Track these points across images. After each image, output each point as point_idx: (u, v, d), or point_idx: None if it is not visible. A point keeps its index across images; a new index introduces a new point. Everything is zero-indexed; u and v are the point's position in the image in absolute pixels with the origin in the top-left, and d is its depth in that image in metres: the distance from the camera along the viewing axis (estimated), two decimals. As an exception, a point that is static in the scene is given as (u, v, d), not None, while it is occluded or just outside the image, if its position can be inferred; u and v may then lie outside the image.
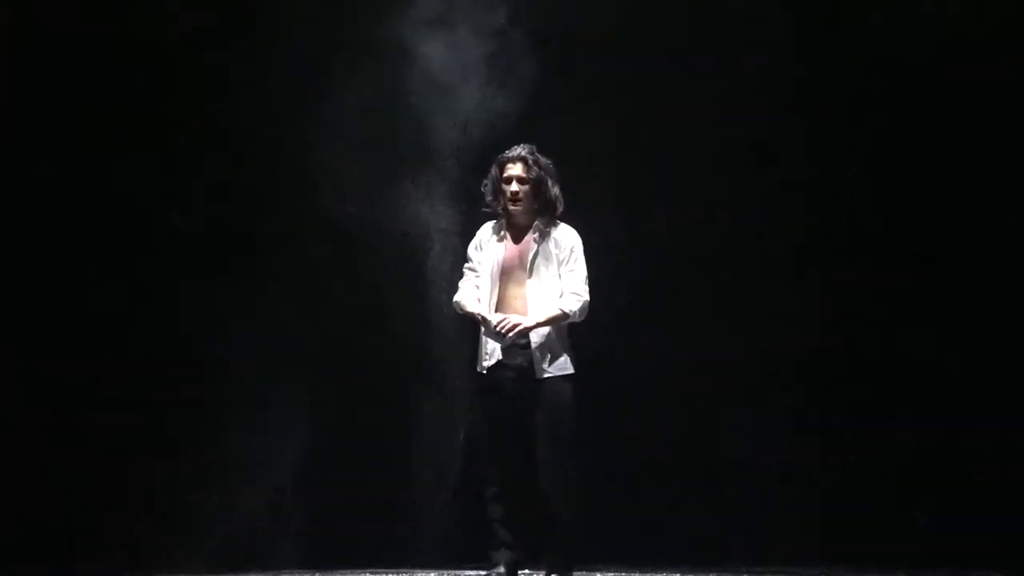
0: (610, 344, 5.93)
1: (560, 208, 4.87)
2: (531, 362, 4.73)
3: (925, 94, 6.13)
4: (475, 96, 6.07)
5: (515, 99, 6.01)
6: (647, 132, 6.22)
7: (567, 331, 4.83)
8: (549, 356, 4.75)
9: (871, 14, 6.18)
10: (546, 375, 4.74)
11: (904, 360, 6.15)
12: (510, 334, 4.69)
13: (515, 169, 4.82)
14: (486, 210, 4.95)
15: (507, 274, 4.83)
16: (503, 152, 4.87)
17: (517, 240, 4.87)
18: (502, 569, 4.76)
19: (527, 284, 4.79)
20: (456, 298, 4.93)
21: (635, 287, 6.07)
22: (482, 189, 4.92)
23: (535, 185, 4.80)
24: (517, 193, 4.80)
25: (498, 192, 4.87)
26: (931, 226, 6.18)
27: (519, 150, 4.84)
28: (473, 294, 4.87)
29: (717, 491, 6.13)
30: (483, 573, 4.87)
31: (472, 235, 5.01)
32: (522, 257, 4.83)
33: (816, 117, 6.21)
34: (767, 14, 6.18)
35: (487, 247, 4.90)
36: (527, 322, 4.72)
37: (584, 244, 4.86)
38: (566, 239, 4.83)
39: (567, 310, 4.74)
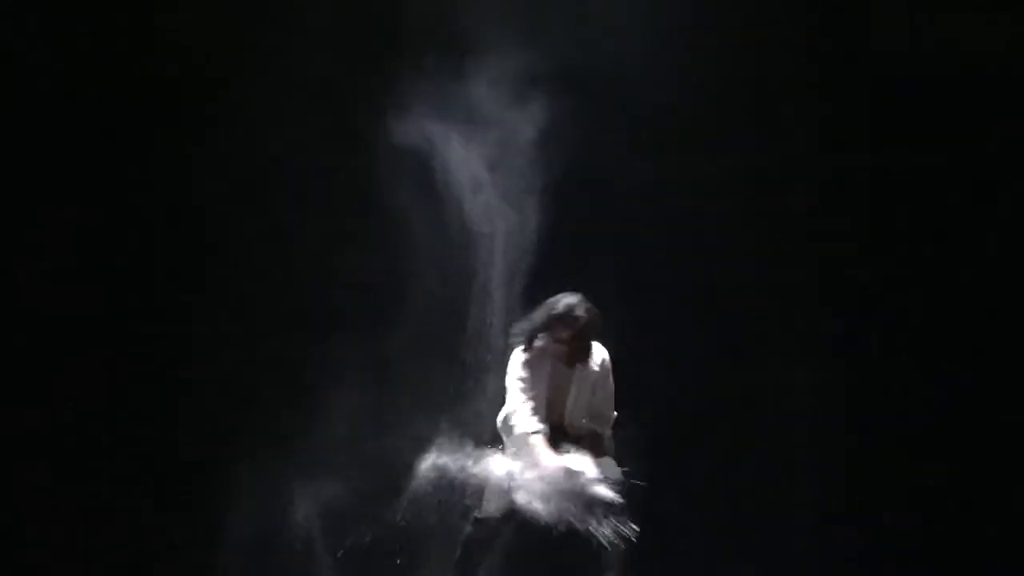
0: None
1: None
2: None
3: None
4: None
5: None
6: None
7: None
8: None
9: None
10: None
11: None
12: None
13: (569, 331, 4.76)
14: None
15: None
16: (554, 308, 4.74)
17: (556, 366, 4.80)
18: None
19: (567, 404, 4.80)
20: (531, 439, 4.65)
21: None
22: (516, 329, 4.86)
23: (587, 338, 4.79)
24: (574, 352, 4.76)
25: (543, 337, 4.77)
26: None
27: (578, 311, 4.70)
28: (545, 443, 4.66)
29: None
30: None
31: None
32: (562, 382, 4.81)
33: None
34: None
35: (535, 373, 4.78)
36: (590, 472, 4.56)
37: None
38: (599, 356, 4.85)
39: (605, 433, 4.86)
